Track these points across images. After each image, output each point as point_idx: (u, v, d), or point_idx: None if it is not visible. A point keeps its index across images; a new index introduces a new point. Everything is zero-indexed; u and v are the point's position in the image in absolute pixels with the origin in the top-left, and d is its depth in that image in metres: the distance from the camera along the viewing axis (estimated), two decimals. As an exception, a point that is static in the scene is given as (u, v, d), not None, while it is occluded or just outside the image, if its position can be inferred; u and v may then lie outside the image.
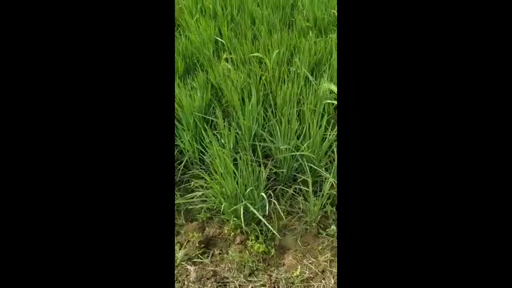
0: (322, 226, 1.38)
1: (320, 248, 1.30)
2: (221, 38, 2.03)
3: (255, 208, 1.30)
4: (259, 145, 1.46)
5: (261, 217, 1.26)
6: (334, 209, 1.41)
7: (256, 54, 1.65)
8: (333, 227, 1.36)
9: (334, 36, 1.92)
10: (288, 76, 1.65)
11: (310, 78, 1.51)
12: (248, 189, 1.28)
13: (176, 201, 1.43)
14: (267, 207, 1.29)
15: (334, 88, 1.18)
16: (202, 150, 1.43)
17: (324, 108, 1.55)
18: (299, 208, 1.43)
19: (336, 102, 1.38)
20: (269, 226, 1.28)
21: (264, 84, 1.69)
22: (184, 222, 1.42)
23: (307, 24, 2.12)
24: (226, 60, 1.71)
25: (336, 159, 1.36)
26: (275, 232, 1.30)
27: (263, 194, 1.30)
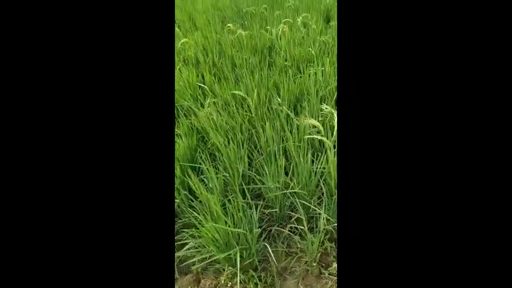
0: (323, 265, 1.32)
1: (323, 289, 1.23)
2: (204, 84, 2.08)
3: (250, 253, 1.24)
4: (248, 188, 1.43)
5: (256, 263, 1.19)
6: (333, 244, 1.35)
7: (238, 92, 1.68)
8: (335, 264, 1.30)
9: (311, 71, 1.99)
10: (270, 114, 1.67)
11: (291, 115, 1.53)
12: (241, 234, 1.22)
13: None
14: (263, 251, 1.22)
15: (316, 123, 1.19)
16: (191, 197, 1.39)
17: (308, 143, 1.55)
18: (297, 248, 1.37)
19: (319, 137, 1.38)
20: (264, 274, 1.21)
21: (248, 124, 1.70)
22: (178, 276, 1.34)
23: (286, 63, 2.20)
24: (209, 104, 1.73)
25: (324, 193, 1.33)
26: (274, 275, 1.23)
27: (257, 236, 1.24)
